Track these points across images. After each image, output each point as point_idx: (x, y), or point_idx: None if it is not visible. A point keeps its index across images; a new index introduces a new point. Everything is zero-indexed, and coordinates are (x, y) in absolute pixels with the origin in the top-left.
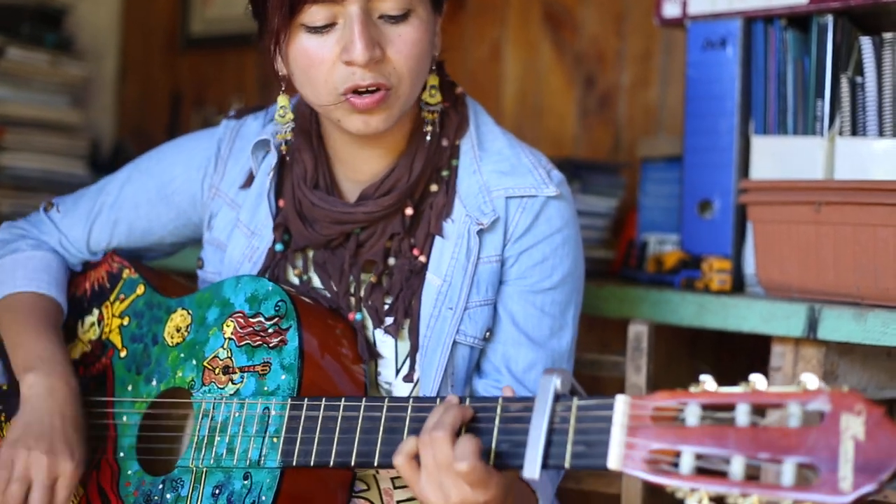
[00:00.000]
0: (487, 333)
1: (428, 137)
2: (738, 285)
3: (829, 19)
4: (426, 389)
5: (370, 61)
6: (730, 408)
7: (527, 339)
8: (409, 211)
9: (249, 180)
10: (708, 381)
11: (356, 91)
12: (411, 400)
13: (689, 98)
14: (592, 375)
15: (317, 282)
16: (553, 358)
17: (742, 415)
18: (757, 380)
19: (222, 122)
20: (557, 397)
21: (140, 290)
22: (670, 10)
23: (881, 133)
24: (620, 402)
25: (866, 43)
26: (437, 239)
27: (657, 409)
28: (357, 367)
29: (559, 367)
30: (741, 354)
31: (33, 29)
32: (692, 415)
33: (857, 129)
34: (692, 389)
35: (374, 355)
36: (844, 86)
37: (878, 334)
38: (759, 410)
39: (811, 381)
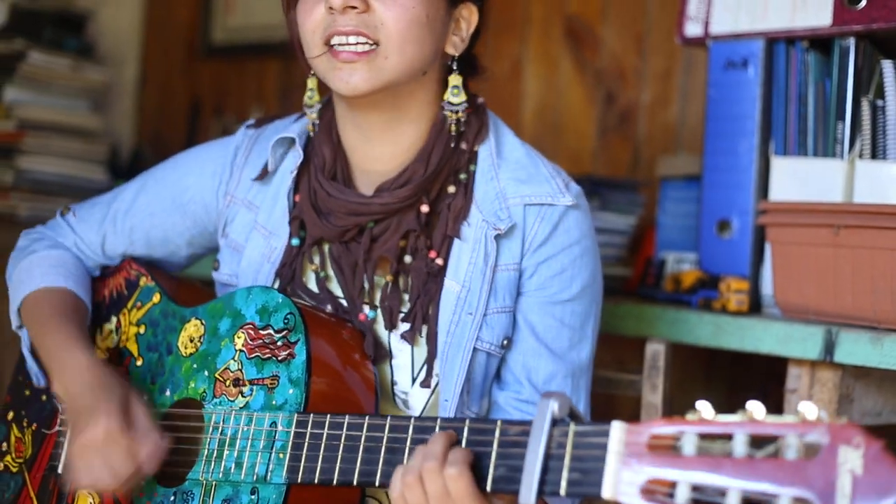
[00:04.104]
0: (505, 341)
1: (452, 132)
2: (755, 306)
3: (851, 42)
4: (447, 396)
5: (345, 4)
6: (727, 437)
7: (547, 351)
8: (424, 208)
9: (264, 173)
10: (705, 409)
11: (339, 43)
12: (412, 420)
13: (709, 117)
14: (608, 394)
15: (333, 279)
16: (572, 370)
17: (739, 445)
18: (754, 408)
19: (241, 129)
20: (555, 422)
21: (156, 298)
22: (692, 29)
23: None
24: (616, 430)
25: (888, 66)
26: (455, 243)
27: (654, 436)
28: (367, 370)
29: (578, 379)
30: (757, 375)
31: (55, 34)
32: (689, 444)
33: (877, 153)
34: (689, 417)
35: (382, 355)
36: (865, 109)
37: (894, 358)
38: (757, 441)
39: (810, 411)
